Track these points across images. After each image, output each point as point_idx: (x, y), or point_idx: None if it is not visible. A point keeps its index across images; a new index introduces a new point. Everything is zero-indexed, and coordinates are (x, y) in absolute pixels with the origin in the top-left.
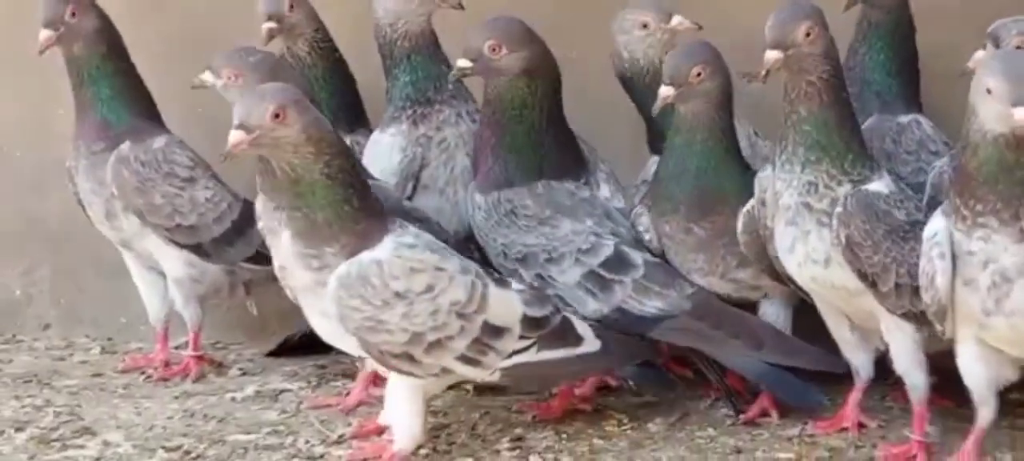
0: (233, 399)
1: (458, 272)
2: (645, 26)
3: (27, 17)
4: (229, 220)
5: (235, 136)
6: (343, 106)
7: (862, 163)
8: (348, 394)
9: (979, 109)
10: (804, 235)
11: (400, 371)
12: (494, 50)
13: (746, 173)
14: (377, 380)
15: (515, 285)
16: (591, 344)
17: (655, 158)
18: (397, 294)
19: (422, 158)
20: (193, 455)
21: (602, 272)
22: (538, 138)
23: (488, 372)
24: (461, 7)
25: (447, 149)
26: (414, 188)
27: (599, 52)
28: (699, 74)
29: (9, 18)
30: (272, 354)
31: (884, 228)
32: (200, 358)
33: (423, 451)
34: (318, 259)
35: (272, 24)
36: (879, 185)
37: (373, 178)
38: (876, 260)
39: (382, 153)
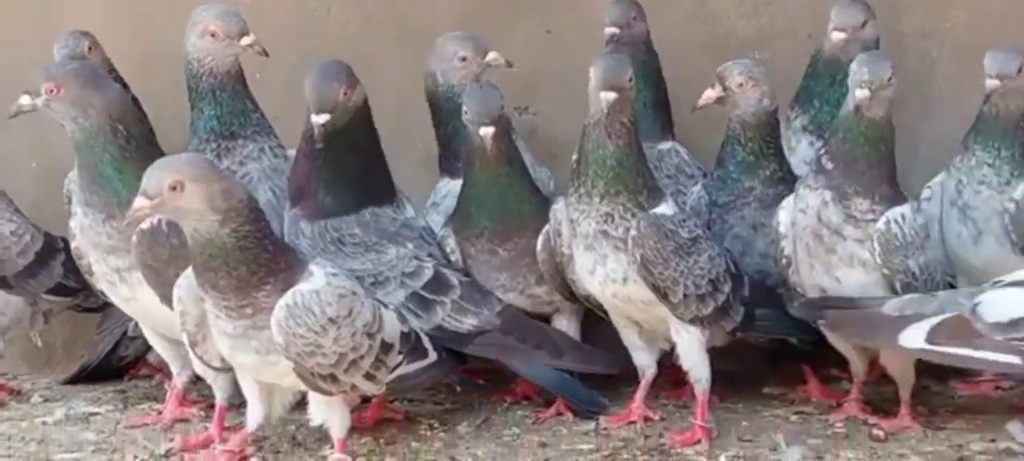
0: (45, 423)
1: (364, 295)
2: (464, 59)
3: None
4: (32, 252)
5: (137, 201)
6: None
7: (653, 196)
8: (160, 413)
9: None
10: (602, 258)
11: (322, 390)
12: (346, 94)
13: (538, 195)
14: (185, 401)
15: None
16: (433, 355)
17: (445, 180)
18: (331, 320)
19: None
20: None
21: (424, 293)
22: (364, 165)
23: (379, 386)
24: (265, 54)
25: (251, 182)
26: None
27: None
28: (502, 108)
29: None
30: (70, 381)
31: (672, 245)
32: (1, 387)
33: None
34: (251, 306)
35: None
36: (665, 208)
37: None
38: (667, 274)
39: None
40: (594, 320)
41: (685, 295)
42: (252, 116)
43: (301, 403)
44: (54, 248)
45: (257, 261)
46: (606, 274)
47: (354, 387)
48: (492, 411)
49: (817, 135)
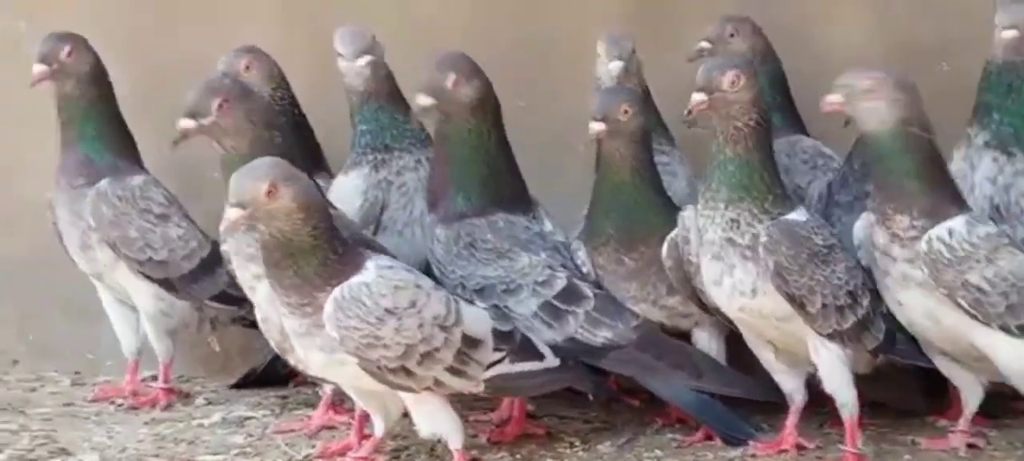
0: (201, 425)
1: (433, 288)
2: (599, 56)
3: None
4: (198, 258)
5: (232, 213)
6: (303, 154)
7: (781, 203)
8: (310, 419)
9: None
10: (730, 269)
11: (398, 386)
12: (456, 84)
13: (669, 205)
14: (337, 407)
15: (478, 303)
16: (552, 360)
17: None
18: (388, 310)
19: (383, 201)
20: None
21: (557, 303)
22: (494, 166)
23: (474, 383)
24: (379, 71)
25: (407, 193)
26: (375, 229)
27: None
28: (626, 111)
29: None
30: (236, 386)
31: (807, 252)
32: (169, 389)
33: None
34: (311, 305)
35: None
36: (796, 215)
37: (335, 209)
38: (803, 283)
39: (345, 196)
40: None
41: (824, 305)
42: (406, 128)
43: None
44: (220, 257)
45: (325, 262)
46: (733, 286)
47: (438, 383)
48: (640, 432)
49: (1001, 150)
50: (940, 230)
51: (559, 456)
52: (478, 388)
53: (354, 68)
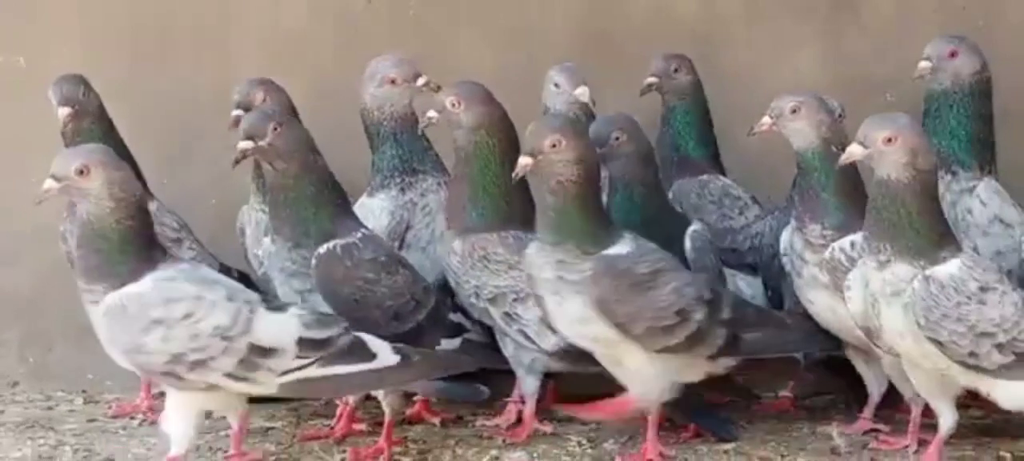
0: (228, 435)
1: (223, 300)
2: (557, 85)
3: None
4: None
5: (46, 184)
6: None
7: (603, 240)
8: (333, 429)
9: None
10: (563, 301)
11: (169, 385)
12: (454, 105)
13: (675, 215)
14: (356, 416)
15: (294, 309)
16: (387, 359)
17: None
18: (155, 321)
19: (408, 221)
20: None
21: None
22: (504, 187)
23: (264, 387)
24: (439, 89)
25: (430, 213)
26: (400, 247)
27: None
28: (618, 138)
29: None
30: (249, 400)
31: (628, 282)
32: None
33: None
34: (92, 295)
35: (240, 112)
36: (618, 248)
37: (368, 230)
38: (624, 311)
39: (371, 216)
40: None
41: (648, 328)
42: (429, 154)
43: (446, 422)
44: (231, 274)
45: (113, 261)
46: (567, 315)
47: (215, 387)
48: (636, 431)
49: (946, 169)
50: (843, 242)
51: (571, 454)
52: (267, 390)
53: (406, 91)
